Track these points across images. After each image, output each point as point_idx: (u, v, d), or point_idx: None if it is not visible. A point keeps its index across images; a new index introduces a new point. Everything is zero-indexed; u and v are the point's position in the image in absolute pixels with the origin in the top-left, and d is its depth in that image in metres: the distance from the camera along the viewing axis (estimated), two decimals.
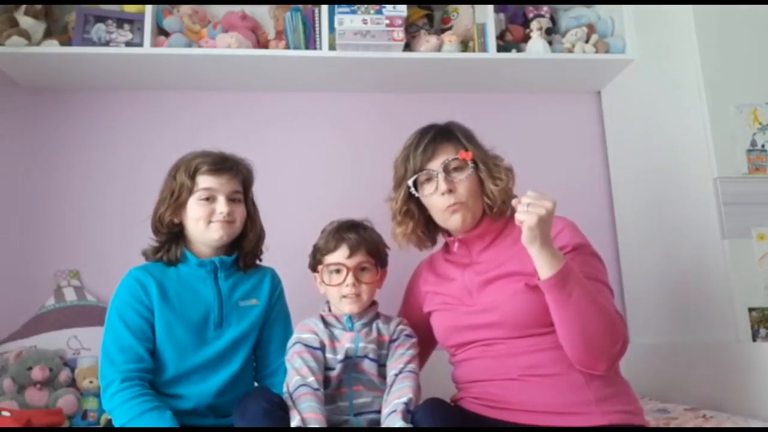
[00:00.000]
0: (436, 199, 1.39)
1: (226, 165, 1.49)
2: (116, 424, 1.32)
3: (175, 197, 1.46)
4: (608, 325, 1.22)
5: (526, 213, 1.18)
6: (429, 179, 1.41)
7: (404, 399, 1.27)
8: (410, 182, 1.42)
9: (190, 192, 1.46)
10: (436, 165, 1.40)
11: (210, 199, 1.46)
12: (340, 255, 1.41)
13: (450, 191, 1.37)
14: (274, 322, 1.54)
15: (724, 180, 1.76)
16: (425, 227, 1.49)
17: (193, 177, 1.46)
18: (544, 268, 1.20)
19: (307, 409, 1.25)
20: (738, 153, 1.79)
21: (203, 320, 1.44)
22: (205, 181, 1.46)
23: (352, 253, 1.40)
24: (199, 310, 1.45)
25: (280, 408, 1.25)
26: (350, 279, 1.39)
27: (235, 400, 1.40)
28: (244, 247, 1.53)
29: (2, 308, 2.04)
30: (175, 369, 1.40)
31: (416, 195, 1.43)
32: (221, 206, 1.45)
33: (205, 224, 1.45)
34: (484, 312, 1.33)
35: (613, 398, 1.25)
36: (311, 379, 1.31)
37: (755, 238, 1.74)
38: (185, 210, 1.47)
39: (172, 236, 1.50)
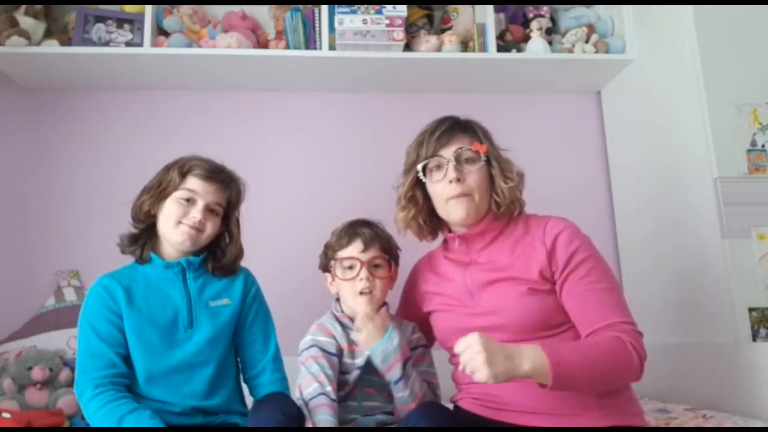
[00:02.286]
0: (443, 187, 1.38)
1: (218, 176, 1.49)
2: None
3: (160, 189, 1.46)
4: (615, 360, 1.20)
5: (473, 373, 1.12)
6: (439, 166, 1.39)
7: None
8: (420, 167, 1.40)
9: (175, 188, 1.46)
10: (448, 153, 1.38)
11: (190, 201, 1.45)
12: (353, 249, 1.40)
13: (458, 180, 1.35)
14: (253, 323, 1.52)
15: (724, 180, 1.76)
16: (427, 217, 1.47)
17: (183, 175, 1.47)
18: (538, 380, 1.15)
19: (322, 422, 1.26)
20: (738, 153, 1.79)
21: (172, 322, 1.43)
22: (192, 182, 1.46)
23: (366, 248, 1.40)
24: (167, 312, 1.44)
25: (297, 420, 1.23)
26: (364, 273, 1.38)
27: (222, 402, 1.42)
28: (220, 261, 1.52)
29: (2, 308, 2.04)
30: (150, 372, 1.39)
31: (424, 180, 1.41)
32: (197, 211, 1.45)
33: (174, 224, 1.44)
34: (487, 314, 1.32)
35: (614, 400, 1.24)
36: (329, 388, 1.32)
37: (755, 238, 1.74)
38: (163, 204, 1.47)
39: (146, 230, 1.49)
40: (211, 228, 1.48)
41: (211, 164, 1.50)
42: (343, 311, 1.44)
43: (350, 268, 1.41)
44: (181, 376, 1.41)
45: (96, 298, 1.43)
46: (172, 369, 1.40)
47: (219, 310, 1.48)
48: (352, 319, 1.42)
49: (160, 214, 1.47)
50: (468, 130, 1.42)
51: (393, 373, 1.33)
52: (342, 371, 1.38)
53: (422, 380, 1.38)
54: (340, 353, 1.39)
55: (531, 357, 1.13)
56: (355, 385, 1.39)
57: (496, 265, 1.36)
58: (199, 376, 1.42)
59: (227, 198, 1.52)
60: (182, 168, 1.47)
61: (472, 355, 1.11)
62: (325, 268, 1.47)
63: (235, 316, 1.50)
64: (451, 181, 1.36)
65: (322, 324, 1.43)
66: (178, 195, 1.46)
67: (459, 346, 1.14)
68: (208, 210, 1.47)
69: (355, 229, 1.43)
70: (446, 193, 1.37)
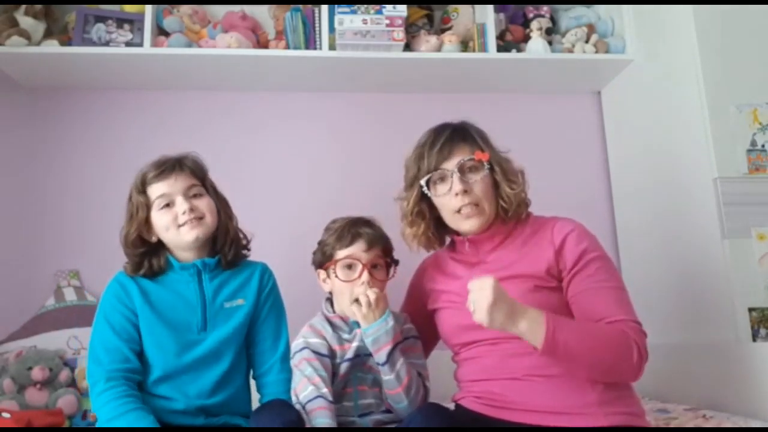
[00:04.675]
0: (449, 200, 1.37)
1: (168, 165, 1.46)
2: (100, 421, 1.33)
3: (138, 216, 1.45)
4: (615, 350, 1.22)
5: (474, 312, 1.18)
6: (443, 179, 1.38)
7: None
8: (423, 182, 1.40)
9: (147, 206, 1.44)
10: (451, 165, 1.37)
11: (170, 204, 1.44)
12: (355, 249, 1.39)
13: (465, 192, 1.35)
14: (265, 321, 1.51)
15: (724, 180, 1.76)
16: (435, 228, 1.47)
17: (144, 191, 1.45)
18: (531, 341, 1.19)
19: (322, 425, 1.26)
20: (738, 153, 1.79)
21: (186, 324, 1.43)
22: (155, 189, 1.44)
23: (369, 248, 1.39)
24: (182, 314, 1.44)
25: (296, 425, 1.23)
26: (366, 276, 1.36)
27: (226, 401, 1.42)
28: (217, 241, 1.50)
29: (2, 308, 2.04)
30: (161, 371, 1.40)
31: (428, 195, 1.41)
32: (181, 206, 1.43)
33: (176, 229, 1.43)
34: None
35: (615, 400, 1.24)
36: (325, 390, 1.32)
37: (755, 238, 1.74)
38: (153, 225, 1.45)
39: (147, 251, 1.48)
40: (207, 208, 1.46)
41: (156, 161, 1.48)
42: (334, 311, 1.44)
43: (349, 267, 1.39)
44: (190, 375, 1.41)
45: (113, 293, 1.45)
46: (183, 368, 1.41)
47: (233, 311, 1.47)
48: (343, 319, 1.41)
49: (158, 234, 1.46)
50: (467, 138, 1.41)
51: (380, 355, 1.33)
52: (334, 372, 1.38)
53: (411, 368, 1.37)
54: (332, 355, 1.38)
55: (530, 319, 1.18)
56: (349, 383, 1.39)
57: (503, 264, 1.36)
58: (208, 376, 1.42)
59: (193, 175, 1.49)
60: (138, 187, 1.46)
61: (480, 295, 1.15)
62: (320, 264, 1.45)
63: (249, 317, 1.49)
64: (457, 194, 1.35)
65: (313, 325, 1.42)
66: (155, 208, 1.44)
67: (473, 284, 1.18)
68: (190, 197, 1.45)
69: (357, 228, 1.41)
70: (453, 205, 1.37)
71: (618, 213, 2.33)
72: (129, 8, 2.15)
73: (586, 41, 2.24)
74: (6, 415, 1.60)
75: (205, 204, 1.47)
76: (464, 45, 2.22)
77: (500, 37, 2.24)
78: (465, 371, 1.40)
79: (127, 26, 2.11)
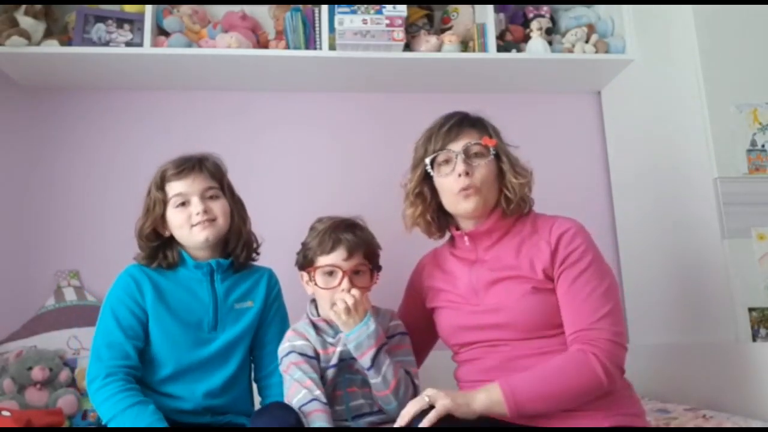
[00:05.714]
0: (451, 181, 1.37)
1: (189, 165, 1.48)
2: (102, 419, 1.34)
3: (154, 211, 1.47)
4: (577, 380, 1.19)
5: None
6: (447, 161, 1.38)
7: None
8: (428, 160, 1.40)
9: (164, 203, 1.46)
10: (457, 147, 1.37)
11: (185, 203, 1.46)
12: (336, 257, 1.37)
13: (467, 174, 1.35)
14: (270, 324, 1.53)
15: (724, 180, 1.76)
16: (435, 214, 1.46)
17: (162, 187, 1.47)
18: (495, 409, 1.17)
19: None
20: (738, 153, 1.79)
21: (198, 322, 1.45)
22: (174, 187, 1.46)
23: (349, 255, 1.37)
24: (194, 312, 1.45)
25: (296, 426, 1.23)
26: (346, 284, 1.35)
27: (232, 401, 1.43)
28: (230, 243, 1.52)
29: (2, 308, 2.04)
30: (170, 368, 1.41)
31: (432, 174, 1.41)
32: (195, 206, 1.45)
33: (188, 229, 1.45)
34: (491, 312, 1.32)
35: (616, 400, 1.24)
36: (318, 392, 1.31)
37: (755, 238, 1.74)
38: (167, 221, 1.47)
39: (161, 244, 1.49)
40: (221, 211, 1.48)
41: (177, 160, 1.50)
42: (318, 314, 1.43)
43: (330, 274, 1.37)
44: (199, 374, 1.42)
45: (123, 287, 1.45)
46: (193, 367, 1.42)
47: (243, 312, 1.49)
48: (327, 322, 1.40)
49: (172, 230, 1.48)
50: (477, 124, 1.42)
51: (364, 360, 1.32)
52: (321, 376, 1.37)
53: (399, 368, 1.36)
54: (317, 357, 1.37)
55: (484, 389, 1.18)
56: (338, 386, 1.38)
57: (502, 264, 1.36)
58: (217, 376, 1.43)
59: (212, 177, 1.50)
60: (157, 182, 1.48)
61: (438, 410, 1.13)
62: (302, 267, 1.44)
63: (258, 319, 1.51)
64: (459, 175, 1.35)
65: (296, 329, 1.42)
66: (172, 205, 1.46)
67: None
68: (206, 198, 1.47)
69: (338, 233, 1.38)
70: (455, 186, 1.37)
71: (618, 213, 2.33)
72: (129, 8, 2.15)
73: (586, 41, 2.23)
74: (6, 413, 1.60)
75: (219, 206, 1.49)
76: (464, 45, 2.22)
77: (500, 37, 2.24)
78: (465, 371, 1.40)
79: (127, 26, 2.11)
